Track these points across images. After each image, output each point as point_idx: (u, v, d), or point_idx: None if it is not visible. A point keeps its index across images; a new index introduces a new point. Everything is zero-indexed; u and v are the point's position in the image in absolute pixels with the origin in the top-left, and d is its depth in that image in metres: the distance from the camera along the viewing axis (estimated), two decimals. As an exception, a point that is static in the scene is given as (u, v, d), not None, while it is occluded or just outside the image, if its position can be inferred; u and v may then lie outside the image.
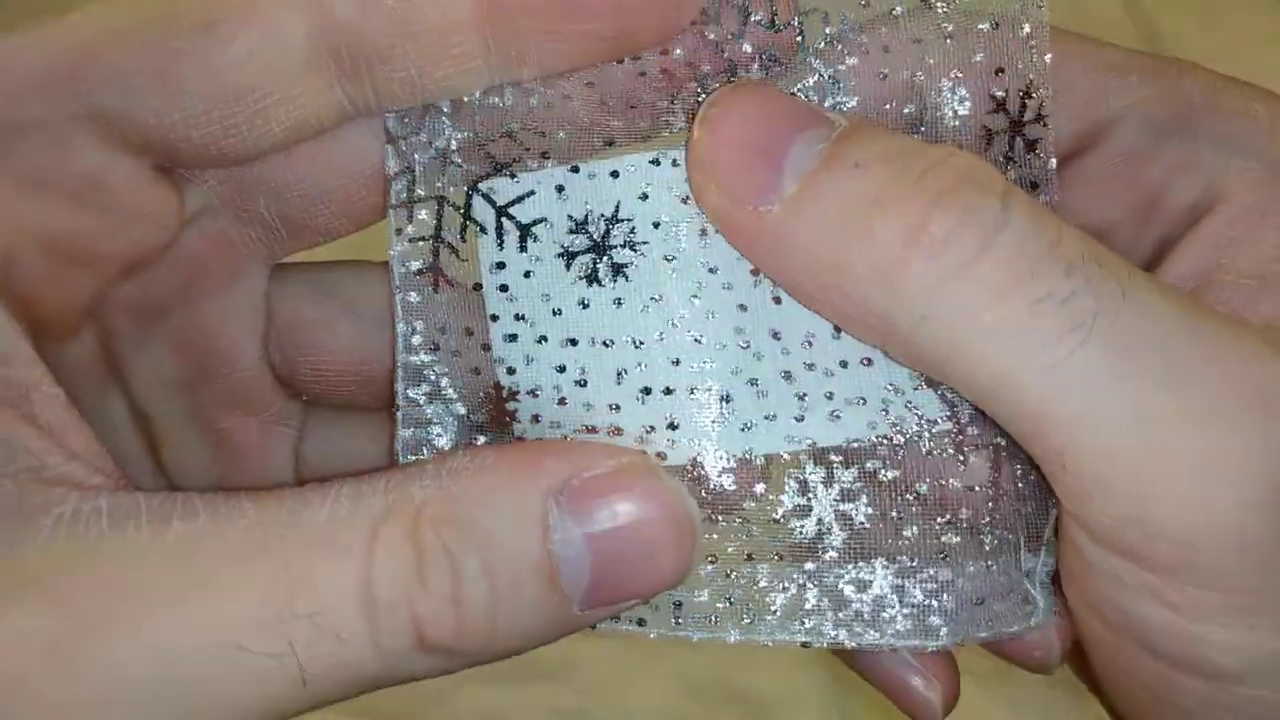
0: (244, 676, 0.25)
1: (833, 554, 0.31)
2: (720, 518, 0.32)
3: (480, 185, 0.32)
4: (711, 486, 0.31)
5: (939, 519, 0.31)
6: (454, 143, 0.32)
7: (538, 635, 0.28)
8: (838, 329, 0.31)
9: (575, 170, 0.32)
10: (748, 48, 0.32)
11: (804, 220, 0.29)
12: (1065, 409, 0.28)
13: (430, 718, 0.71)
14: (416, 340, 0.33)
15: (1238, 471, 0.27)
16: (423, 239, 0.33)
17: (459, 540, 0.26)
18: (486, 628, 0.27)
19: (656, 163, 0.32)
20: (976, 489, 0.32)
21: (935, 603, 0.31)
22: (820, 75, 0.32)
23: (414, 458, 0.33)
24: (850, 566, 0.31)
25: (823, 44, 0.32)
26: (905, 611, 0.31)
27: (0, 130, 0.29)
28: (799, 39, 0.32)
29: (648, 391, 0.32)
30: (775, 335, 0.32)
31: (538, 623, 0.28)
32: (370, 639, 0.26)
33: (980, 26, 0.32)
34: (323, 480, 0.27)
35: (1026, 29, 0.32)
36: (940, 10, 0.32)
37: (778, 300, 0.32)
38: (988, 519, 0.32)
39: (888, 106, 0.32)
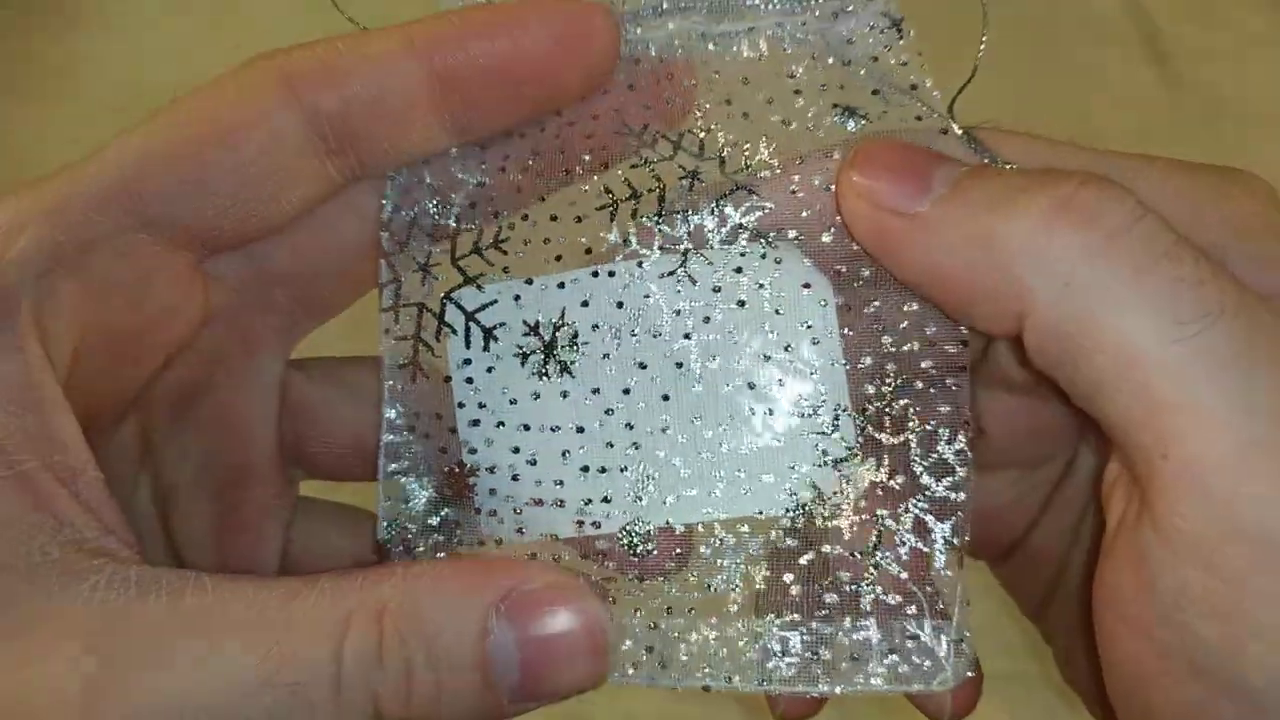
0: None
1: (734, 609, 0.36)
2: (644, 578, 0.36)
3: (453, 294, 0.38)
4: (638, 551, 0.36)
5: (821, 580, 0.36)
6: (432, 258, 0.38)
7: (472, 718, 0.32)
8: (753, 410, 0.36)
9: (529, 283, 0.38)
10: (679, 168, 0.37)
11: (954, 209, 0.33)
12: (1181, 392, 0.30)
13: None
14: (399, 423, 0.38)
15: None
16: (405, 338, 0.38)
17: (414, 635, 0.31)
18: (431, 711, 0.31)
19: (596, 275, 0.37)
20: (857, 556, 0.36)
21: (813, 654, 0.35)
22: (738, 189, 0.36)
23: (389, 524, 0.38)
24: (747, 621, 0.36)
25: (743, 164, 0.37)
26: (789, 661, 0.35)
27: (77, 248, 0.34)
28: (721, 163, 0.37)
29: (586, 470, 0.37)
30: (695, 419, 0.36)
31: (473, 710, 0.32)
32: (336, 710, 0.30)
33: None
34: (311, 574, 0.32)
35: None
36: (857, 126, 0.36)
37: (698, 387, 0.36)
38: (867, 582, 0.36)
39: (805, 214, 0.36)
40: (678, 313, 0.36)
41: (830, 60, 0.37)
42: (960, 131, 0.36)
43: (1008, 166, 0.35)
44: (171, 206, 0.35)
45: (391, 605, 0.31)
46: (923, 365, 0.36)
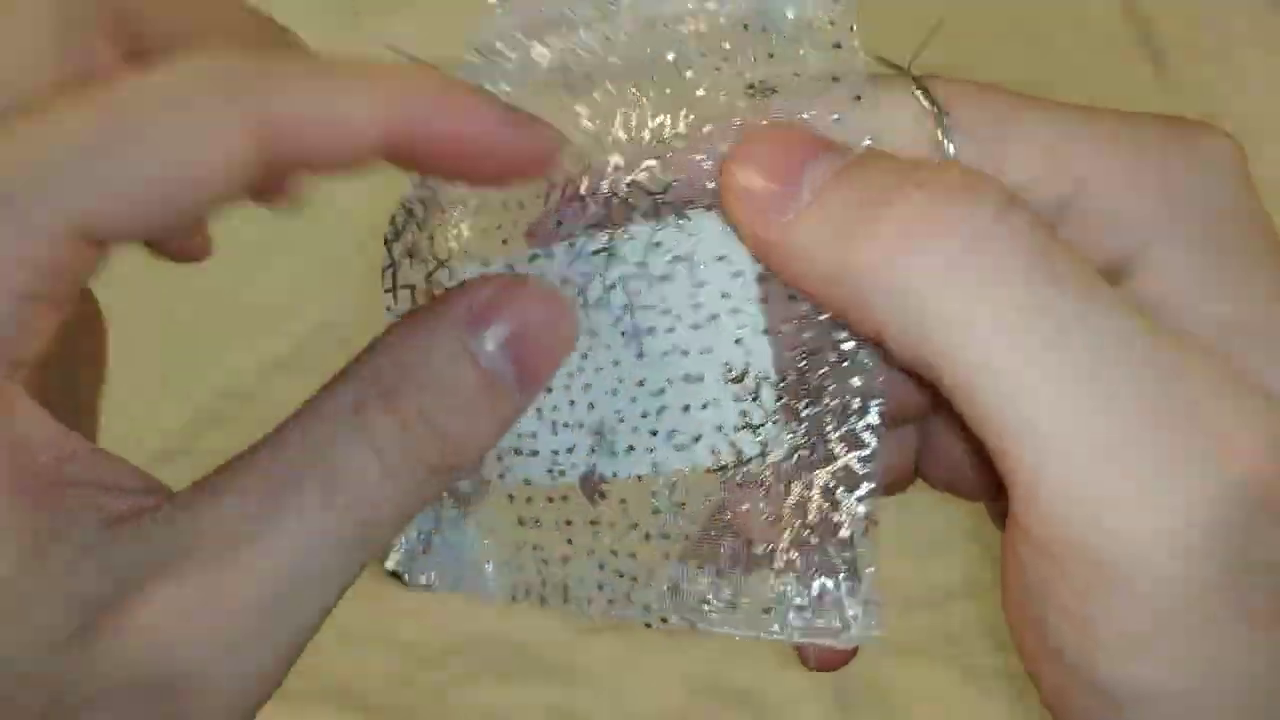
0: None
1: (669, 556, 0.40)
2: (593, 525, 0.41)
3: (431, 276, 0.42)
4: (594, 500, 0.40)
5: (739, 537, 0.39)
6: (421, 244, 0.42)
7: (502, 425, 0.36)
8: (687, 378, 0.39)
9: (486, 264, 0.42)
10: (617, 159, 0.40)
11: (813, 224, 0.33)
12: (1030, 401, 0.29)
13: (429, 716, 0.73)
14: None
15: (1187, 502, 0.28)
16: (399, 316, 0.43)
17: (422, 398, 0.34)
18: (466, 444, 0.35)
19: (535, 258, 0.41)
20: (770, 516, 0.38)
21: (732, 604, 0.39)
22: (652, 162, 0.38)
23: None
24: (679, 566, 0.39)
25: (662, 138, 0.38)
26: (716, 606, 0.39)
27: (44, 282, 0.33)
28: (641, 141, 0.39)
29: (554, 424, 0.41)
30: (640, 383, 0.40)
31: (497, 419, 0.36)
32: (383, 473, 0.33)
33: (810, 113, 0.37)
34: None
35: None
36: (769, 95, 0.37)
37: (641, 355, 0.40)
38: (780, 541, 0.38)
39: (711, 184, 0.37)
40: (612, 287, 0.39)
41: (763, 29, 0.38)
42: (911, 81, 0.35)
43: (947, 115, 0.34)
44: (116, 227, 0.32)
45: (392, 386, 0.34)
46: (835, 337, 0.37)
